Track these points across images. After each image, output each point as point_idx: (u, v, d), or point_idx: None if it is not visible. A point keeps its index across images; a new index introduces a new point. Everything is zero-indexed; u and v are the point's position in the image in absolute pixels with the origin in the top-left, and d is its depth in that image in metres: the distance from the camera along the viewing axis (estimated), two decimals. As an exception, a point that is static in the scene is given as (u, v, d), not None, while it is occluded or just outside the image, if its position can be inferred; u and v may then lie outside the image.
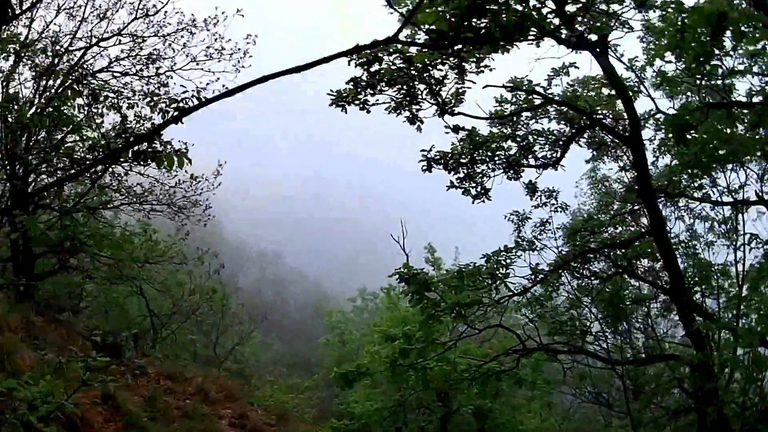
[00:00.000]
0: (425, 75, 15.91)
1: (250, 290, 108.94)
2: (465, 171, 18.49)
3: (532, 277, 19.50)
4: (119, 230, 27.52)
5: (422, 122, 16.86)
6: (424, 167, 18.42)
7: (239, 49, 23.07)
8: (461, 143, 18.63)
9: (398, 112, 16.60)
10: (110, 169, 22.76)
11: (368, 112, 16.21)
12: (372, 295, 59.28)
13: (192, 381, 18.58)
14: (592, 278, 22.48)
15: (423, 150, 18.39)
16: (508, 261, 18.11)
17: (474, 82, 16.19)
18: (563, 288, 23.29)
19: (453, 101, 16.85)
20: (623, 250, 21.27)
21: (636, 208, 22.20)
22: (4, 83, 21.65)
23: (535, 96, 18.54)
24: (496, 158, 18.77)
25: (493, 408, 28.68)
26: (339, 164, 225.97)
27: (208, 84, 22.20)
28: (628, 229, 23.03)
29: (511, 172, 19.16)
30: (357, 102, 15.99)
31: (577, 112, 18.82)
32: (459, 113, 17.32)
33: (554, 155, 19.34)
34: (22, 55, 21.40)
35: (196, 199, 25.78)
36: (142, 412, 14.94)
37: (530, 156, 19.27)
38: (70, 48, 22.98)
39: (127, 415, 14.23)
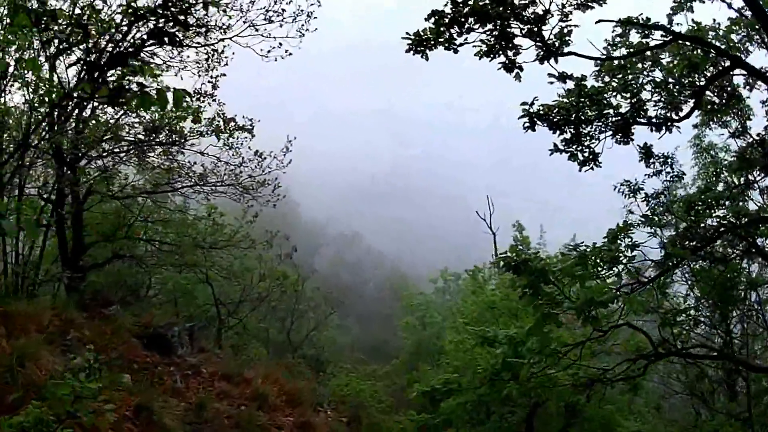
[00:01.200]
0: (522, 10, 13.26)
1: (327, 273, 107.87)
2: (572, 131, 15.45)
3: (650, 262, 16.74)
4: (179, 215, 25.75)
5: (521, 69, 14.00)
6: (526, 124, 15.16)
7: (302, 11, 20.58)
8: (568, 96, 15.54)
9: (491, 56, 13.74)
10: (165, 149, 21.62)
11: (456, 52, 13.54)
12: (454, 276, 57.35)
13: (250, 382, 16.35)
14: (711, 260, 19.64)
15: (524, 104, 15.25)
16: (631, 242, 14.80)
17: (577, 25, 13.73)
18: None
19: (558, 43, 14.09)
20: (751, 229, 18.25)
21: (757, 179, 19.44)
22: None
23: (653, 38, 15.45)
24: (606, 117, 15.66)
25: (585, 404, 26.22)
26: (418, 135, 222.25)
27: (269, 51, 19.74)
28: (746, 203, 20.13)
29: (620, 135, 16.04)
30: (441, 41, 13.30)
31: (715, 51, 15.54)
32: (570, 53, 14.32)
33: (672, 113, 16.30)
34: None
35: (264, 179, 23.23)
36: (182, 427, 12.67)
37: (642, 115, 16.17)
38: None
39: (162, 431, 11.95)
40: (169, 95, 6.92)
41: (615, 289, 13.54)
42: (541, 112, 15.08)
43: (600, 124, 15.63)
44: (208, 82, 20.48)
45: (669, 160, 18.33)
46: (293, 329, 45.43)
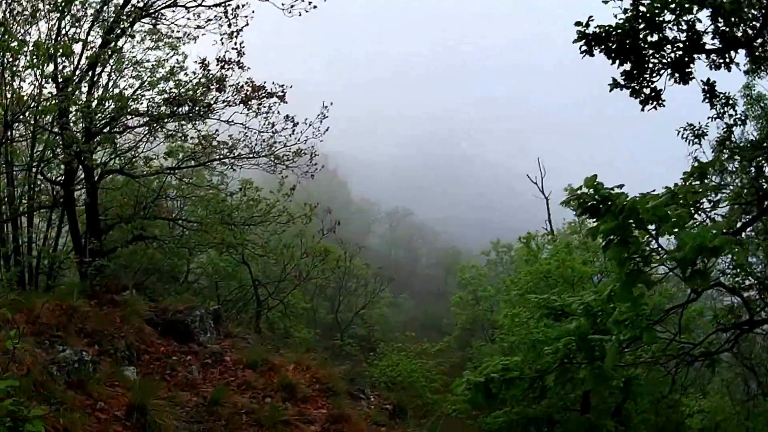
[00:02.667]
0: None
1: (380, 250, 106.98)
2: (633, 60, 13.21)
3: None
4: (208, 191, 24.56)
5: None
6: (583, 48, 12.95)
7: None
8: (628, 17, 13.23)
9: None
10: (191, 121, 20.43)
11: None
12: (506, 248, 55.94)
13: (278, 370, 14.41)
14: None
15: (578, 23, 12.99)
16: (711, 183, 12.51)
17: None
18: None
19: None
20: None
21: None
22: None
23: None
24: (664, 45, 13.39)
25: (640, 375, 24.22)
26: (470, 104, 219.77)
27: (292, 6, 18.85)
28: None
29: (678, 74, 13.78)
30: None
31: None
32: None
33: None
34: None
35: (299, 148, 21.47)
36: (186, 427, 10.83)
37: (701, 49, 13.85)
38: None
39: (156, 434, 10.12)
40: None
41: (729, 232, 10.96)
42: (600, 34, 12.90)
43: (658, 57, 13.40)
44: (233, 48, 19.62)
45: (731, 101, 16.25)
46: (342, 309, 44.32)
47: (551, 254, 27.70)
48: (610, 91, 13.63)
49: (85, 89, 19.01)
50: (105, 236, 21.54)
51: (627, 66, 13.38)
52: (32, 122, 18.13)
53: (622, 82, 13.60)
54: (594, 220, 7.96)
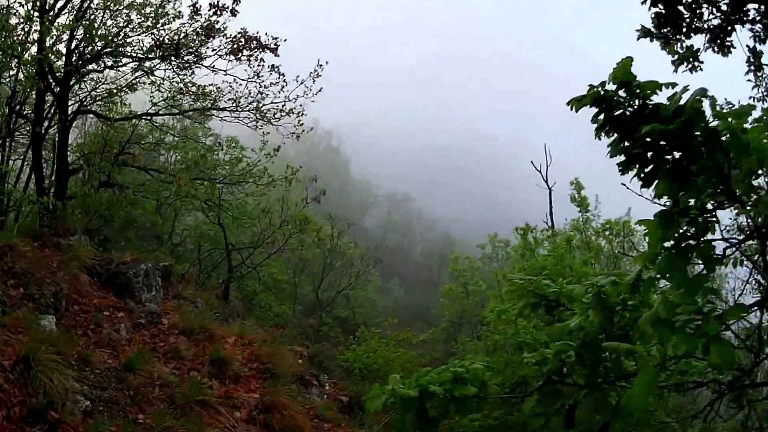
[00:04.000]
0: None
1: (376, 233, 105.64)
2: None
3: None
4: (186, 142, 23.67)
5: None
6: None
7: None
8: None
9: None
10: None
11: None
12: (503, 243, 54.38)
13: (215, 340, 12.64)
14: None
15: None
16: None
17: None
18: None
19: None
20: None
21: None
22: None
23: None
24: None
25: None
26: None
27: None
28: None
29: (718, 41, 11.81)
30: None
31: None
32: None
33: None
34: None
35: (289, 109, 20.01)
36: (80, 391, 9.12)
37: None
38: None
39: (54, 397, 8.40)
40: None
41: None
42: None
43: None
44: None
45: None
46: (326, 287, 42.77)
47: (550, 249, 25.96)
48: (637, 39, 11.58)
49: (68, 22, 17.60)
50: (71, 179, 20.04)
51: (660, 7, 11.32)
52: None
53: (655, 30, 11.56)
54: (620, 142, 4.39)
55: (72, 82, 18.68)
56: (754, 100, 13.39)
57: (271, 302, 33.79)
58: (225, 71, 19.21)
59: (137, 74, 19.26)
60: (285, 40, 19.10)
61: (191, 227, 33.94)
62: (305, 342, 25.92)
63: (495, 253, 56.06)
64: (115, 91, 19.43)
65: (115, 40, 18.21)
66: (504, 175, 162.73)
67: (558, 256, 23.90)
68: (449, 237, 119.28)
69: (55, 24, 16.83)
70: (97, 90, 19.82)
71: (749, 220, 4.96)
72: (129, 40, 18.48)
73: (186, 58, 18.71)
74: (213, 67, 19.00)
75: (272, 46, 18.96)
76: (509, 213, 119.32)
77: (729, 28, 11.55)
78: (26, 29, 16.19)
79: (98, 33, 17.73)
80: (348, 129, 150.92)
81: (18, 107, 17.61)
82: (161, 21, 18.25)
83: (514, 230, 32.53)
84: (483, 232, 67.68)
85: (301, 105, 20.17)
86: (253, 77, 19.40)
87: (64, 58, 18.01)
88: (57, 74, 17.89)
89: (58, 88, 18.19)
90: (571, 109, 4.59)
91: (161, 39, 18.33)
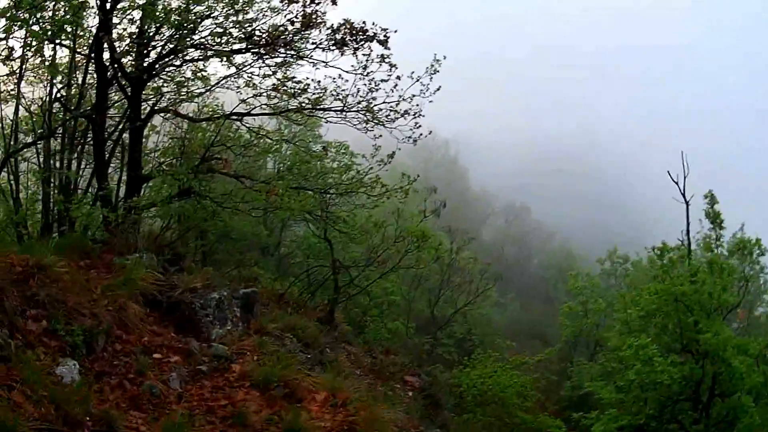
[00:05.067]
0: None
1: (493, 245, 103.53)
2: None
3: None
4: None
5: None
6: None
7: None
8: None
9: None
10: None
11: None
12: (622, 258, 53.49)
13: (298, 399, 9.84)
14: None
15: None
16: None
17: None
18: None
19: None
20: None
21: None
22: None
23: None
24: None
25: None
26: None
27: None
28: None
29: None
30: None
31: None
32: None
33: None
34: None
35: (404, 110, 17.87)
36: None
37: None
38: None
39: None
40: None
41: None
42: None
43: None
44: (330, -24, 16.39)
45: None
46: (441, 303, 40.82)
47: (691, 272, 23.49)
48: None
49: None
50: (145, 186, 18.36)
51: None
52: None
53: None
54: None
55: (145, 77, 16.83)
56: None
57: (383, 321, 31.82)
58: (326, 63, 17.16)
59: (227, 72, 17.68)
60: (395, 31, 16.97)
61: (300, 239, 32.35)
62: (417, 368, 23.83)
63: (614, 268, 54.46)
64: (196, 89, 18.04)
65: (196, 28, 16.51)
66: (628, 182, 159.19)
67: (700, 282, 21.76)
68: (567, 250, 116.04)
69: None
70: (176, 87, 18.11)
71: None
72: (215, 31, 16.54)
73: (281, 52, 16.93)
74: (312, 58, 17.15)
75: (381, 37, 16.85)
76: (632, 224, 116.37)
77: None
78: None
79: (173, 19, 15.93)
80: (464, 133, 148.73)
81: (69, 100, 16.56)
82: (249, 10, 16.37)
83: (651, 250, 30.25)
84: (602, 243, 65.56)
85: (417, 105, 18.00)
86: (360, 71, 17.25)
87: (135, 48, 16.49)
88: (127, 69, 16.41)
89: (128, 84, 16.64)
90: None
91: (252, 31, 16.52)
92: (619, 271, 53.32)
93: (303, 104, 18.08)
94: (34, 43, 15.58)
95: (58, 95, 16.91)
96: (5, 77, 16.58)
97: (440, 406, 20.75)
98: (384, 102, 17.83)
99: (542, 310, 77.56)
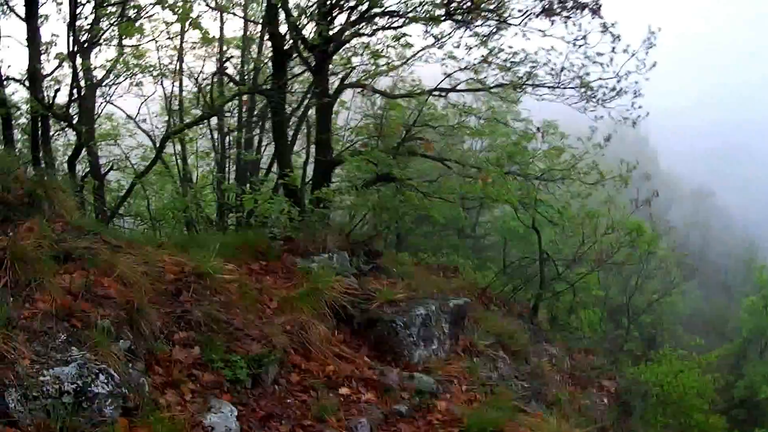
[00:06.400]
0: None
1: (681, 232, 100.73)
2: None
3: None
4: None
5: None
6: None
7: None
8: None
9: None
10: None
11: None
12: None
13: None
14: None
15: None
16: None
17: None
18: None
19: None
20: None
21: None
22: None
23: None
24: None
25: None
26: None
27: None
28: None
29: None
30: None
31: None
32: None
33: None
34: None
35: (620, 87, 16.56)
36: None
37: None
38: None
39: None
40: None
41: None
42: None
43: None
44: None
45: None
46: (634, 295, 38.72)
47: None
48: None
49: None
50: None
51: None
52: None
53: None
54: None
55: (331, 48, 15.64)
56: None
57: (589, 319, 29.62)
58: (543, 32, 15.64)
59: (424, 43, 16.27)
60: (608, -3, 15.42)
61: (498, 219, 31.61)
62: (613, 369, 22.41)
63: (803, 262, 50.92)
64: (391, 62, 16.93)
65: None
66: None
67: None
68: (750, 239, 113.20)
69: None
70: (369, 59, 16.88)
71: None
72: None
73: (487, 17, 15.49)
74: (525, 26, 15.61)
75: (593, 5, 15.31)
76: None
77: None
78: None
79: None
80: (659, 111, 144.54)
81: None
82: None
83: None
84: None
85: (636, 82, 16.51)
86: (580, 41, 15.83)
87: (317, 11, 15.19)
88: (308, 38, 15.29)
89: (312, 55, 15.64)
90: None
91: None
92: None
93: (514, 80, 16.79)
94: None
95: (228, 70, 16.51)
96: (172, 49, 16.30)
97: (629, 412, 19.48)
98: (599, 78, 16.56)
99: (723, 301, 75.75)
